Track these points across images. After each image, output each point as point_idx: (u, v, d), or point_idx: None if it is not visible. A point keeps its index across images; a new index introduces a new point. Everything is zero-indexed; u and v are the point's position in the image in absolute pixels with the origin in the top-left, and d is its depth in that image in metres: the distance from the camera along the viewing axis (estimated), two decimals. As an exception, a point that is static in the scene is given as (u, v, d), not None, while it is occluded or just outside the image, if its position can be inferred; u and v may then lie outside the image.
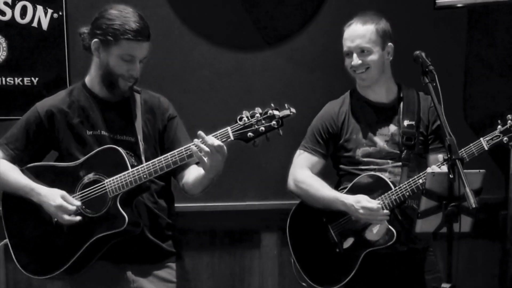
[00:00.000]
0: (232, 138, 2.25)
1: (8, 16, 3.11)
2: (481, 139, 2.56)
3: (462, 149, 2.55)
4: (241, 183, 3.31)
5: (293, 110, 2.26)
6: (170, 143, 2.50)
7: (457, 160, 2.19)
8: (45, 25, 3.13)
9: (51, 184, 2.41)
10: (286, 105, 2.27)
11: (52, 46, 3.14)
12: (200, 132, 2.26)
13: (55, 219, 2.39)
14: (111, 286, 2.47)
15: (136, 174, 2.33)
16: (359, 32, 2.69)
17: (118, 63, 2.36)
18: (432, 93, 2.40)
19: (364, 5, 3.29)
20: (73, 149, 2.43)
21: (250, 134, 2.24)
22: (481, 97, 3.42)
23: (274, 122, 2.23)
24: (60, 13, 3.12)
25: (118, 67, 2.37)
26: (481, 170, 2.37)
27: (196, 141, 2.27)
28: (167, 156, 2.32)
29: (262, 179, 3.34)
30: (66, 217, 2.35)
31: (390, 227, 2.62)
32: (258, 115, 2.24)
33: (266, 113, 2.24)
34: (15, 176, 2.43)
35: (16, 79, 3.14)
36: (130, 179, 2.33)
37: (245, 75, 3.32)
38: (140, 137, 2.44)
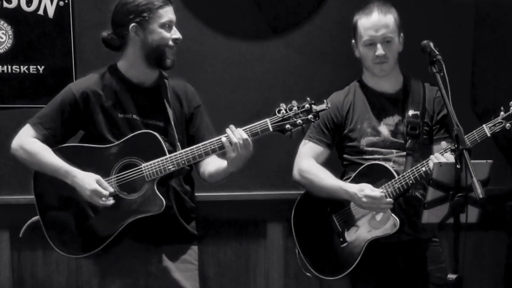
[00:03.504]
0: (271, 129, 2.38)
1: (14, 4, 3.09)
2: (484, 125, 2.55)
3: (465, 136, 2.53)
4: (247, 173, 3.29)
5: (329, 105, 2.39)
6: (195, 131, 2.59)
7: (464, 150, 2.19)
8: (51, 13, 3.12)
9: (85, 166, 2.45)
10: (324, 100, 2.41)
11: (58, 34, 3.12)
12: (232, 126, 2.38)
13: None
14: (136, 266, 2.53)
15: (174, 159, 2.41)
16: (384, 22, 2.67)
17: (161, 34, 2.46)
18: (440, 83, 2.40)
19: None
20: (104, 131, 2.48)
21: (288, 126, 2.37)
22: (488, 87, 3.40)
23: (311, 115, 2.37)
24: (66, 1, 3.11)
25: (162, 38, 2.46)
26: (488, 161, 2.37)
27: (228, 131, 2.38)
28: (206, 143, 2.41)
29: (268, 169, 3.33)
30: (100, 201, 2.39)
31: (393, 215, 2.62)
32: (295, 108, 2.37)
33: (303, 106, 2.37)
34: (49, 157, 2.46)
35: (22, 67, 3.13)
36: (168, 165, 2.40)
37: (252, 64, 3.30)
38: (172, 122, 2.51)
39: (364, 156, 2.75)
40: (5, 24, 3.10)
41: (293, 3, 3.29)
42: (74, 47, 3.13)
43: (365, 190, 2.63)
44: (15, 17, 3.10)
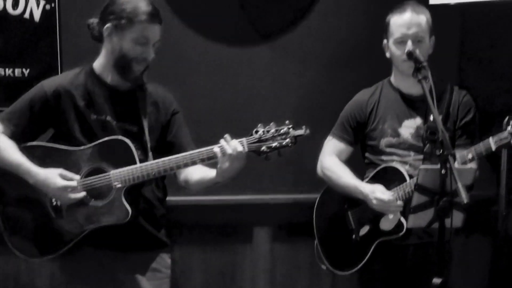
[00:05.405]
0: (246, 149, 2.32)
1: (-1, 7, 3.09)
2: (490, 138, 2.55)
3: (472, 147, 2.58)
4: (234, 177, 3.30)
5: (307, 131, 2.33)
6: (172, 137, 2.53)
7: (449, 156, 2.20)
8: (37, 16, 3.10)
9: (52, 167, 2.38)
10: (303, 126, 2.34)
11: (44, 38, 3.11)
12: (227, 135, 2.32)
13: (55, 202, 2.39)
14: (102, 274, 2.47)
15: (144, 169, 2.35)
16: (416, 21, 2.68)
17: (132, 46, 2.37)
18: (426, 90, 2.40)
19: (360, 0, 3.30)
20: (76, 131, 2.43)
21: (263, 148, 2.32)
22: (475, 94, 3.42)
23: (288, 140, 2.31)
24: (53, 5, 3.10)
25: (132, 50, 2.38)
26: (472, 166, 2.38)
27: (222, 142, 2.32)
28: (179, 157, 2.36)
29: (255, 173, 3.32)
30: (71, 195, 2.35)
31: (401, 218, 2.66)
32: (273, 130, 2.32)
33: (281, 129, 2.32)
34: (12, 154, 2.39)
35: (7, 70, 3.11)
36: (138, 174, 2.35)
37: (239, 70, 3.30)
38: (146, 129, 2.45)
39: (382, 157, 2.79)
40: (-10, 27, 3.09)
41: (281, 8, 3.30)
42: (60, 50, 3.12)
43: (376, 192, 2.68)
44: (0, 21, 3.07)
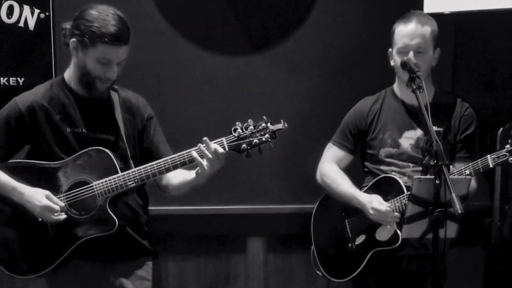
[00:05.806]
0: (226, 149, 2.31)
1: (-6, 16, 3.08)
2: (488, 156, 2.56)
3: (470, 164, 2.59)
4: (228, 187, 3.30)
5: (286, 125, 2.34)
6: (149, 143, 2.53)
7: (443, 166, 2.20)
8: (31, 25, 3.10)
9: (34, 183, 2.38)
10: (281, 120, 2.35)
11: (38, 46, 3.10)
12: (206, 138, 2.31)
13: (40, 219, 2.37)
14: (90, 285, 2.46)
15: (127, 178, 2.34)
16: (419, 32, 2.67)
17: (94, 65, 2.34)
18: (420, 99, 2.41)
19: (354, 10, 3.31)
20: (53, 146, 2.40)
21: (244, 145, 2.31)
22: (469, 101, 3.43)
23: (267, 135, 2.31)
24: (47, 13, 3.09)
25: (94, 69, 2.35)
26: (467, 177, 2.38)
27: (200, 146, 2.31)
28: (160, 162, 2.35)
29: (249, 183, 3.32)
30: (52, 216, 2.33)
31: (397, 230, 2.64)
32: (251, 127, 2.31)
33: (259, 125, 2.31)
34: None
35: (1, 79, 3.10)
36: (120, 183, 2.35)
37: (232, 79, 3.30)
38: (124, 136, 2.44)
39: (381, 167, 2.78)
40: (-15, 36, 3.08)
41: (275, 18, 3.30)
42: (55, 59, 3.11)
43: (373, 202, 2.67)
44: (-5, 29, 3.07)
